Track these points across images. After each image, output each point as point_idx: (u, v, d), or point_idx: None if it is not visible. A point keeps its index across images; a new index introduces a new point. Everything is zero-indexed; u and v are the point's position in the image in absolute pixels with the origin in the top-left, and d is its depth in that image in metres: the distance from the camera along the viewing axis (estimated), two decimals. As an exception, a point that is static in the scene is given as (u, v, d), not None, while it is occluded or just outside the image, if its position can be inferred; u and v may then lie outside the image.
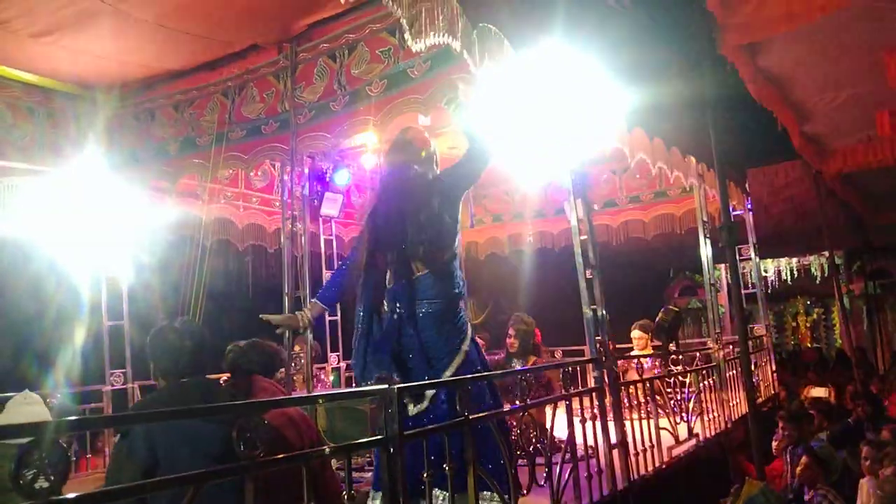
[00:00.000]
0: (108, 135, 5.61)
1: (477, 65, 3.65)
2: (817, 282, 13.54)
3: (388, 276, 3.45)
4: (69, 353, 5.23)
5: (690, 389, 5.68)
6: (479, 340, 7.35)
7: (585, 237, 4.08)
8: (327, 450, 2.36)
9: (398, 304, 3.35)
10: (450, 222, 3.45)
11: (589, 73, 3.88)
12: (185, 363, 2.72)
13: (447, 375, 3.25)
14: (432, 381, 3.06)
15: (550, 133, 4.15)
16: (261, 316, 3.82)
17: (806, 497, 4.99)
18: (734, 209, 7.63)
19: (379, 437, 2.29)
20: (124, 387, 5.83)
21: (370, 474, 3.77)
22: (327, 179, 7.20)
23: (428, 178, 3.57)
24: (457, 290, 3.44)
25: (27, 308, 6.11)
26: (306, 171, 6.39)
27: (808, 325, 15.06)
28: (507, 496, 2.94)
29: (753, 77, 5.60)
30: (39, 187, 5.41)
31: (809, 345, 14.74)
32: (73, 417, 2.75)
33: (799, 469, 5.24)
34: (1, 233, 5.38)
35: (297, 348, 5.50)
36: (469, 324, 3.51)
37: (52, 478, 1.41)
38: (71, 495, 1.53)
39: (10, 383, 5.49)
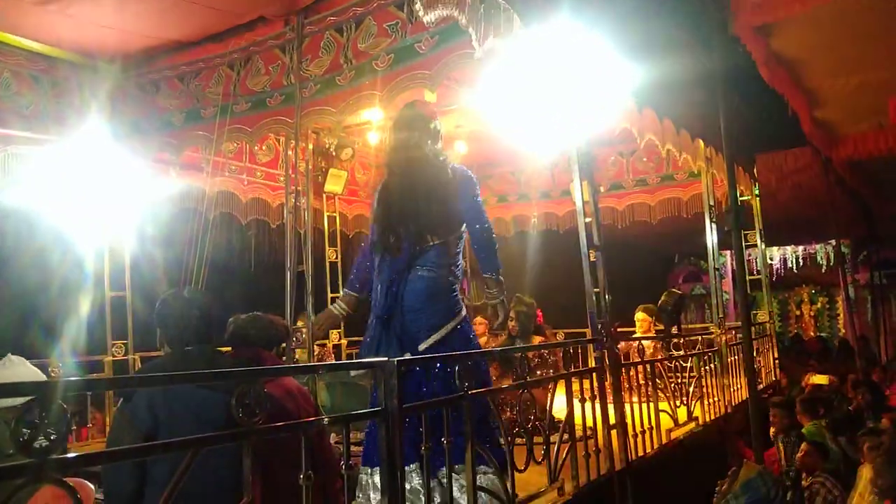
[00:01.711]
0: (112, 105, 5.58)
1: (481, 40, 3.62)
2: (823, 270, 13.51)
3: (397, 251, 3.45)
4: (74, 324, 5.24)
5: (691, 374, 5.68)
6: (482, 322, 7.41)
7: (590, 219, 4.05)
8: (326, 420, 2.35)
9: (397, 273, 3.38)
10: (458, 207, 3.48)
11: (598, 50, 3.83)
12: (192, 332, 2.73)
13: (435, 339, 3.30)
14: (435, 354, 3.05)
15: (557, 111, 4.11)
16: (263, 317, 3.75)
17: (804, 483, 5.01)
18: (741, 194, 7.59)
19: (377, 409, 2.28)
20: (125, 357, 5.85)
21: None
22: (332, 155, 7.17)
23: (438, 155, 3.57)
24: (456, 268, 3.47)
25: (32, 278, 6.12)
26: (311, 146, 6.37)
27: (812, 313, 15.04)
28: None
29: (766, 59, 5.53)
30: (43, 156, 5.39)
31: (813, 333, 14.73)
32: (75, 378, 2.76)
33: (798, 455, 5.26)
34: (6, 202, 5.36)
35: (299, 323, 5.51)
36: (464, 307, 3.52)
37: (53, 437, 1.41)
38: (71, 454, 1.53)
39: (15, 352, 5.51)
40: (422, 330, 3.33)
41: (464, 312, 3.48)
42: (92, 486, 2.72)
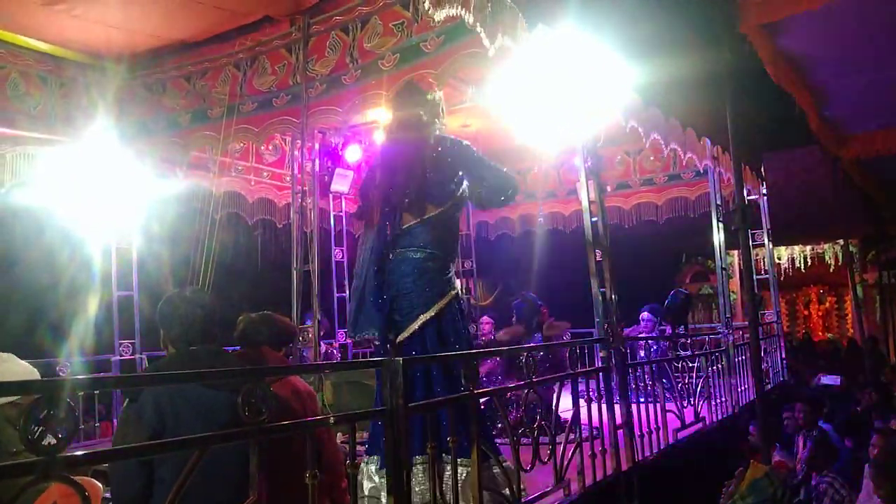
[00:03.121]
0: (119, 105, 5.60)
1: (491, 39, 3.60)
2: (831, 270, 13.43)
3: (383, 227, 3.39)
4: (82, 323, 5.26)
5: (699, 373, 5.66)
6: (488, 321, 7.39)
7: (597, 219, 4.04)
8: (332, 419, 2.36)
9: (383, 253, 3.34)
10: (447, 179, 3.35)
11: (604, 49, 3.82)
12: (195, 331, 2.73)
13: (425, 318, 3.23)
14: (439, 354, 3.04)
15: (564, 110, 4.10)
16: (273, 317, 3.71)
17: (812, 482, 4.98)
18: (749, 193, 7.56)
19: (382, 407, 2.28)
20: (133, 357, 5.87)
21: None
22: (338, 155, 7.18)
23: (431, 127, 3.47)
24: (446, 245, 3.38)
25: (40, 277, 6.16)
26: (317, 146, 6.38)
27: (820, 313, 14.97)
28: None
29: (773, 58, 5.50)
30: (52, 157, 5.42)
31: (821, 334, 14.66)
32: (80, 376, 2.77)
33: (807, 455, 5.24)
34: (15, 202, 5.40)
35: (307, 322, 5.52)
36: (457, 281, 3.46)
37: (60, 435, 1.41)
38: (79, 452, 1.53)
39: (24, 352, 5.53)
40: (415, 307, 3.25)
41: (455, 290, 3.39)
42: (100, 485, 2.73)
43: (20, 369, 3.66)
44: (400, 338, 3.25)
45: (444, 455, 2.84)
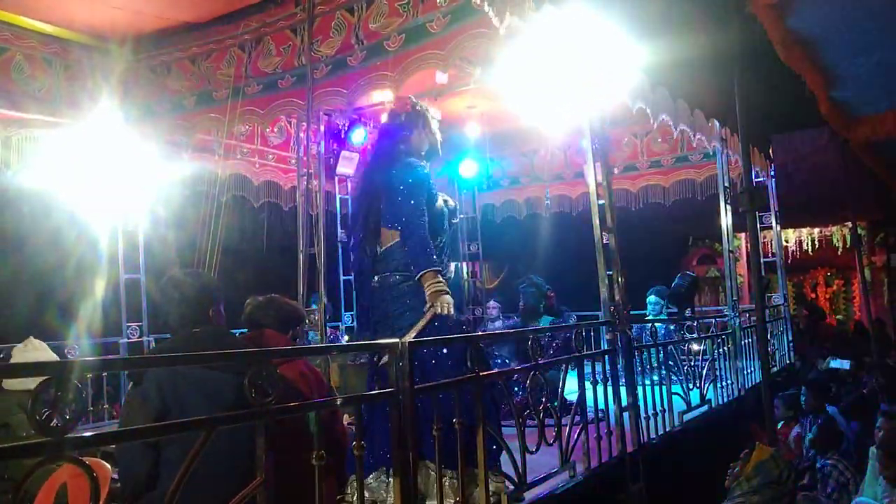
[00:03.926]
0: (124, 87, 5.58)
1: (499, 18, 3.57)
2: (839, 253, 13.37)
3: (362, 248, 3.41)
4: (89, 305, 5.29)
5: (704, 356, 5.66)
6: (495, 305, 7.38)
7: (604, 201, 4.03)
8: (338, 400, 2.36)
9: (365, 276, 3.37)
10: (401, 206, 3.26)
11: (612, 29, 3.78)
12: (178, 315, 2.72)
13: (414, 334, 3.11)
14: (446, 336, 3.03)
15: (571, 91, 4.07)
16: (279, 299, 3.52)
17: (818, 465, 4.99)
18: (757, 176, 7.51)
19: (390, 389, 2.29)
20: (140, 339, 5.90)
21: None
22: (343, 138, 7.15)
23: (411, 146, 3.45)
24: (424, 259, 3.19)
25: (47, 259, 6.18)
26: (322, 128, 6.36)
27: (827, 296, 14.92)
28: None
29: (782, 38, 5.44)
30: (58, 139, 5.42)
31: (828, 316, 14.61)
32: (89, 358, 2.79)
33: (812, 438, 5.24)
34: (21, 184, 5.40)
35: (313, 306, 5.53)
36: (446, 296, 3.19)
37: (68, 416, 1.42)
38: (87, 434, 1.54)
39: (33, 334, 5.58)
40: (403, 329, 3.11)
41: (436, 306, 3.15)
42: (108, 466, 2.75)
43: (48, 358, 3.70)
44: (383, 361, 3.06)
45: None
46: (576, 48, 3.78)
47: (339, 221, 7.57)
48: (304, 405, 2.44)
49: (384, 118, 3.69)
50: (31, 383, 1.43)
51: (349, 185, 7.74)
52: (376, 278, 3.30)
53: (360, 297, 3.44)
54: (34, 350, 3.82)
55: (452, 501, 2.81)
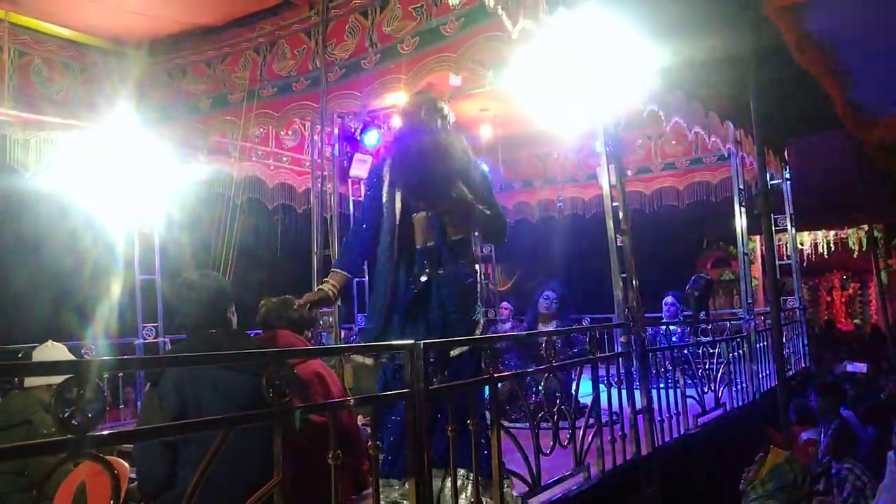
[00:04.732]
0: (141, 91, 5.64)
1: (512, 22, 3.57)
2: (855, 255, 13.26)
3: (417, 238, 3.24)
4: (105, 306, 5.34)
5: (719, 359, 5.63)
6: (506, 306, 7.37)
7: (617, 203, 4.02)
8: (352, 401, 2.38)
9: (430, 265, 3.17)
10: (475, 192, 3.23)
11: (626, 31, 3.78)
12: (194, 316, 2.74)
13: (466, 348, 3.03)
14: (457, 338, 3.03)
15: (584, 93, 4.07)
16: (293, 301, 3.47)
17: (833, 470, 4.95)
18: (772, 178, 7.47)
19: (405, 390, 2.30)
20: (156, 340, 5.95)
21: None
22: (357, 140, 7.18)
23: (455, 144, 3.32)
24: (475, 262, 3.31)
25: (65, 261, 6.24)
26: (336, 131, 6.39)
27: (843, 299, 14.79)
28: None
29: (797, 40, 5.41)
30: (75, 142, 5.47)
31: (844, 320, 14.49)
32: (107, 358, 2.80)
33: (827, 443, 5.20)
34: (39, 186, 5.46)
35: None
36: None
37: (89, 414, 1.44)
38: (106, 432, 1.56)
39: (50, 335, 5.64)
40: (457, 332, 3.07)
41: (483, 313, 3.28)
42: (127, 465, 2.78)
43: (62, 355, 3.75)
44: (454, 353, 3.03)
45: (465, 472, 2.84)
46: (589, 51, 3.78)
47: (351, 223, 7.59)
48: (319, 405, 2.45)
49: (406, 112, 3.47)
50: (51, 380, 1.45)
51: (362, 187, 7.77)
52: (449, 265, 3.14)
53: (402, 294, 3.18)
54: (53, 350, 3.87)
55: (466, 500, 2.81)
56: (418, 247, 3.24)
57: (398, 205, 3.24)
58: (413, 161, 3.21)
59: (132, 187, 5.63)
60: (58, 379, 1.43)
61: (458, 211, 3.15)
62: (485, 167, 3.39)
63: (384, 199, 3.28)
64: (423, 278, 3.15)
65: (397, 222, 3.22)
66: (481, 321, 3.23)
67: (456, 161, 3.19)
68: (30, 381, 3.57)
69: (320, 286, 3.45)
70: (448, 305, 3.14)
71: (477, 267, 3.34)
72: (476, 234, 3.43)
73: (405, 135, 3.45)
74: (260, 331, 3.60)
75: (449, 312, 3.14)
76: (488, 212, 3.23)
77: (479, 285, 3.34)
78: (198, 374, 2.55)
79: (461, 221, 3.20)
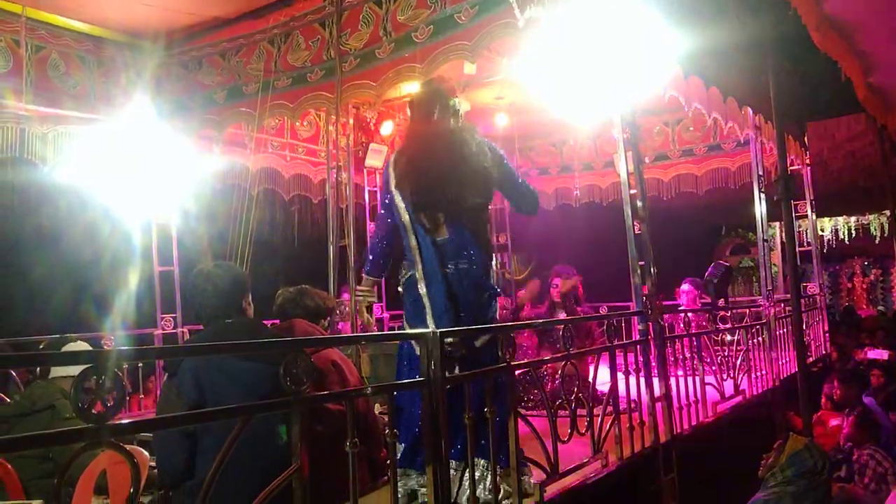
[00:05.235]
0: (157, 83, 5.66)
1: (521, 8, 3.55)
2: (876, 242, 13.09)
3: (436, 231, 3.14)
4: (124, 297, 5.39)
5: (738, 347, 5.59)
6: (523, 293, 7.35)
7: (635, 191, 3.99)
8: (369, 389, 2.38)
9: (453, 258, 3.10)
10: (491, 181, 3.24)
11: (643, 16, 3.73)
12: (211, 306, 2.76)
13: (485, 338, 3.00)
14: (473, 326, 3.03)
15: (601, 80, 4.03)
16: (310, 290, 3.57)
17: (854, 457, 4.91)
18: (791, 164, 7.38)
19: (421, 379, 2.30)
20: (174, 331, 6.01)
21: None
22: (372, 130, 7.18)
23: (465, 131, 3.30)
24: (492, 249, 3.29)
25: (84, 253, 6.30)
26: (351, 121, 6.40)
27: (864, 286, 14.62)
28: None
29: (818, 24, 5.30)
30: (92, 135, 5.52)
31: (865, 306, 14.33)
32: (125, 348, 2.84)
33: (849, 430, 5.15)
34: (58, 179, 5.52)
35: (344, 297, 5.59)
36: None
37: (109, 404, 1.45)
38: (125, 420, 1.58)
39: (69, 326, 5.72)
40: (477, 322, 3.03)
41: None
42: (147, 454, 2.81)
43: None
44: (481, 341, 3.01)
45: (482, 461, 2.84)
46: (606, 38, 3.74)
47: (368, 213, 7.60)
48: (337, 394, 2.47)
49: (417, 107, 3.41)
50: (74, 372, 1.46)
51: (378, 177, 7.77)
52: (465, 257, 3.09)
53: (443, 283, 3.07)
54: (75, 345, 3.93)
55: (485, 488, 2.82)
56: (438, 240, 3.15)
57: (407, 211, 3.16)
58: (426, 171, 3.17)
59: (149, 179, 5.67)
60: (78, 370, 1.45)
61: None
62: (500, 151, 3.33)
63: (396, 204, 3.20)
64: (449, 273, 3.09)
65: (410, 229, 3.15)
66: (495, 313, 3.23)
67: (472, 162, 3.15)
68: (54, 372, 3.63)
69: (359, 297, 3.50)
70: (470, 297, 3.09)
71: (493, 264, 3.30)
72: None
73: (417, 139, 3.39)
74: (277, 320, 3.63)
75: (471, 303, 3.09)
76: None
77: (495, 277, 3.33)
78: (215, 364, 2.57)
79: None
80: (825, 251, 12.03)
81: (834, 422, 5.81)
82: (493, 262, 3.37)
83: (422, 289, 3.06)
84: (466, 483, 2.73)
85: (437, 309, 3.01)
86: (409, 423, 3.04)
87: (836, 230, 13.06)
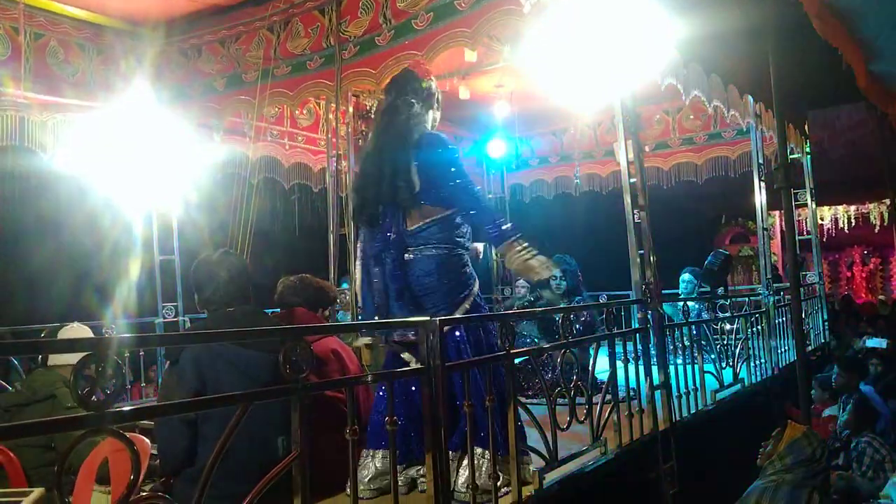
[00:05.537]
0: (157, 71, 5.64)
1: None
2: (876, 231, 13.09)
3: (386, 226, 3.14)
4: (125, 286, 5.40)
5: (738, 335, 5.60)
6: (523, 284, 7.35)
7: (635, 179, 3.99)
8: (370, 377, 2.39)
9: (396, 252, 3.08)
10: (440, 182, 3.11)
11: (643, 3, 3.72)
12: (225, 293, 2.78)
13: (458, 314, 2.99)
14: (476, 314, 3.04)
15: (601, 68, 4.01)
16: (310, 279, 3.61)
17: (852, 444, 4.93)
18: (792, 152, 7.37)
19: (420, 367, 2.31)
20: (175, 319, 6.03)
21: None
22: (372, 118, 7.15)
23: (425, 120, 3.27)
24: (463, 240, 3.15)
25: (85, 242, 6.31)
26: (350, 109, 6.37)
27: (863, 275, 14.63)
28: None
29: (819, 11, 5.27)
30: (93, 123, 5.50)
31: (864, 295, 14.35)
32: (126, 335, 2.85)
33: (847, 418, 5.18)
34: (58, 167, 5.51)
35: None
36: (476, 279, 3.18)
37: (108, 391, 1.46)
38: (126, 407, 1.59)
39: (71, 315, 5.72)
40: (439, 308, 2.98)
41: (476, 287, 3.17)
42: (148, 441, 2.83)
43: (83, 335, 3.81)
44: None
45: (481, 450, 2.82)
46: (606, 24, 3.73)
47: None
48: (336, 382, 2.48)
49: (405, 76, 3.41)
50: (74, 359, 1.47)
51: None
52: (421, 250, 3.05)
53: (381, 276, 3.11)
54: (78, 330, 3.94)
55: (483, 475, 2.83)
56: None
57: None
58: (369, 157, 3.27)
59: (149, 168, 5.66)
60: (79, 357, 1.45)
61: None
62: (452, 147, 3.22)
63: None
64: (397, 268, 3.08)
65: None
66: (472, 290, 3.13)
67: (405, 152, 3.12)
68: (53, 360, 3.65)
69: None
70: (427, 284, 3.04)
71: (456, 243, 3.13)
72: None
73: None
74: (277, 309, 3.64)
75: (429, 290, 3.04)
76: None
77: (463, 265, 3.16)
78: (216, 352, 2.59)
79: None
80: (825, 240, 12.03)
81: (828, 411, 5.84)
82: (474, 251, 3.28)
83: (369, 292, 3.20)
84: (461, 472, 2.75)
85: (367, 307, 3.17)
86: (409, 416, 3.01)
87: (836, 219, 13.06)
